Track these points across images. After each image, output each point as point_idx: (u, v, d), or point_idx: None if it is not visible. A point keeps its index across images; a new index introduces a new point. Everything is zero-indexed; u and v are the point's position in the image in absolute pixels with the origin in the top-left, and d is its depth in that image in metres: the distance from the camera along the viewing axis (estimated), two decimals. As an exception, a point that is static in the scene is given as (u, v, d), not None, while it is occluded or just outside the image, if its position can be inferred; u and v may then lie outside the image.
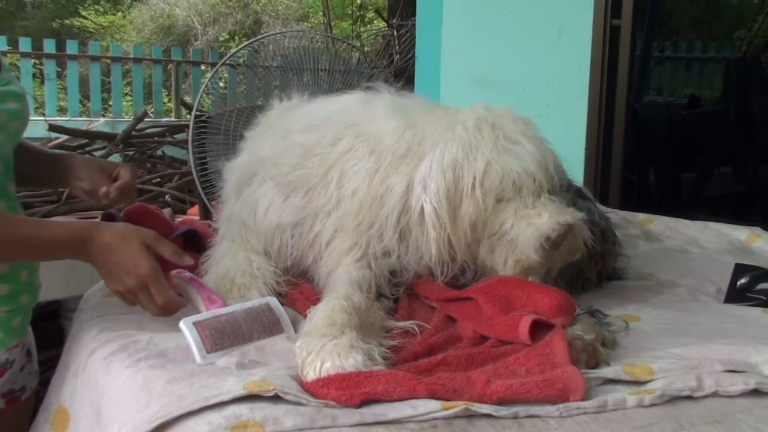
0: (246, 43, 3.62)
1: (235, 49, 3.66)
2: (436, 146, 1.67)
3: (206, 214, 3.23)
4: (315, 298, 1.64)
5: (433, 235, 1.64)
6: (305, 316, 1.54)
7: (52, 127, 5.24)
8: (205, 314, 1.48)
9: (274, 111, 2.06)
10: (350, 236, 1.70)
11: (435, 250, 1.65)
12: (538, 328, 1.39)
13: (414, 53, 4.55)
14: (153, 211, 2.00)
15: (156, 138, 5.64)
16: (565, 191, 1.76)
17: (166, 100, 11.07)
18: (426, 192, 1.65)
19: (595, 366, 1.35)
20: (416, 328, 1.52)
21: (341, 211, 1.71)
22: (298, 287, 1.74)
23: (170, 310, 1.51)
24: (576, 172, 2.92)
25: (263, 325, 1.49)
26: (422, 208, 1.65)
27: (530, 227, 1.59)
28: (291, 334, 1.52)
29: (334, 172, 1.73)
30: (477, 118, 1.71)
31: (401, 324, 1.54)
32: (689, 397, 1.26)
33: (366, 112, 1.81)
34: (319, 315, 1.46)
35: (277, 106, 2.09)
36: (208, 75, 3.66)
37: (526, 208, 1.62)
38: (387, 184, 1.68)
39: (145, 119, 6.21)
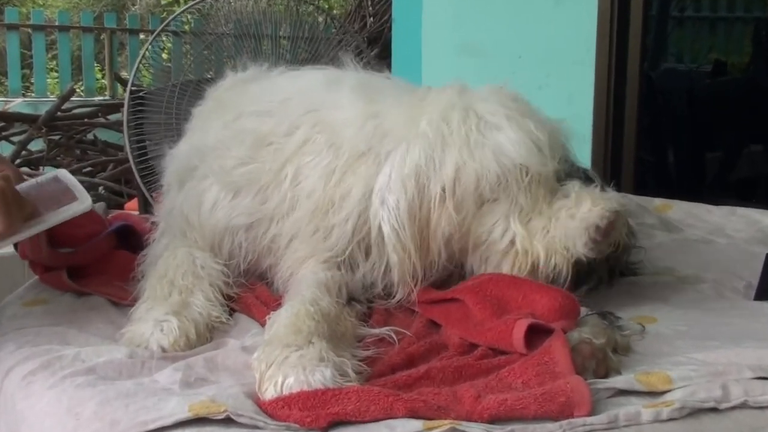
0: (192, 3, 3.60)
1: (179, 11, 3.64)
2: (398, 148, 1.65)
3: (146, 207, 3.21)
4: (275, 303, 1.64)
5: (394, 259, 1.62)
6: (263, 324, 1.54)
7: (-39, 109, 5.19)
8: None
9: (225, 83, 2.05)
10: (307, 244, 1.69)
11: (398, 275, 1.64)
12: (536, 334, 1.39)
13: (390, 15, 4.53)
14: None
15: (86, 120, 5.61)
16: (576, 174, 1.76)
17: (98, 75, 10.97)
18: (384, 208, 1.62)
19: (605, 375, 1.36)
20: (393, 336, 1.51)
21: (296, 214, 1.70)
22: (254, 290, 1.74)
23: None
24: (582, 152, 2.92)
25: (51, 197, 1.55)
26: (381, 226, 1.63)
27: (573, 219, 1.59)
28: (86, 204, 1.56)
29: (289, 167, 1.71)
30: (445, 105, 1.68)
31: (376, 331, 1.54)
32: (714, 410, 1.27)
33: (328, 96, 1.80)
34: (281, 321, 1.46)
35: (229, 77, 2.07)
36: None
37: (529, 210, 1.62)
38: (344, 186, 1.66)
39: (73, 98, 6.16)
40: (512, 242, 1.63)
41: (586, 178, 1.80)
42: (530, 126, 1.65)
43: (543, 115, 1.76)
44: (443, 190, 1.61)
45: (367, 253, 1.69)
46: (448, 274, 1.71)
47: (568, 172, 1.72)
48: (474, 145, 1.62)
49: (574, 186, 1.64)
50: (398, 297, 1.67)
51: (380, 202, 1.63)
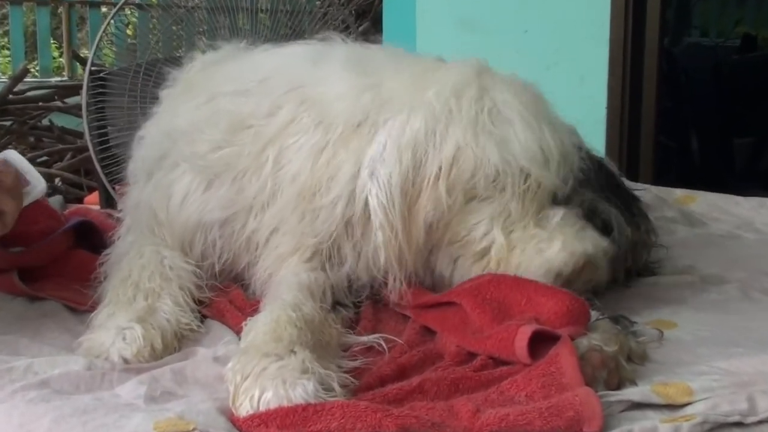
0: (159, -28, 3.59)
1: (145, -19, 3.63)
2: (397, 115, 1.65)
3: (108, 201, 3.21)
4: (251, 308, 1.64)
5: (380, 238, 1.63)
6: (238, 332, 1.54)
7: None
8: None
9: (195, 65, 2.05)
10: (291, 237, 1.70)
11: (383, 257, 1.64)
12: (541, 342, 1.40)
13: (381, -14, 4.53)
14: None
15: (41, 103, 5.59)
16: (580, 191, 1.76)
17: (55, 53, 10.93)
18: (373, 180, 1.62)
19: (618, 386, 1.36)
20: (383, 344, 1.52)
21: (279, 203, 1.70)
22: (228, 294, 1.74)
23: None
24: (595, 138, 2.93)
25: None
26: (367, 201, 1.63)
27: (538, 257, 1.60)
28: (42, 187, 1.61)
29: (270, 150, 1.72)
30: (459, 80, 1.69)
31: (364, 339, 1.54)
32: (739, 424, 1.27)
33: (315, 71, 1.80)
34: (259, 328, 1.46)
35: (199, 58, 2.07)
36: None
37: (516, 219, 1.62)
38: (334, 164, 1.66)
39: (27, 79, 6.14)
40: (489, 248, 1.64)
41: (589, 210, 1.80)
42: (544, 131, 1.66)
43: (559, 122, 1.77)
44: (439, 168, 1.62)
45: (354, 241, 1.68)
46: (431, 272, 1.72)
47: (568, 196, 1.72)
48: (481, 129, 1.63)
49: (556, 215, 1.65)
50: (390, 287, 1.67)
51: (370, 174, 1.63)
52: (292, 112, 1.74)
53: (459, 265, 1.67)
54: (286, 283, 1.64)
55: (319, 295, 1.62)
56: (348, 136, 1.67)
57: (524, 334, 1.39)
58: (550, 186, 1.65)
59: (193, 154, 1.77)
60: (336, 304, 1.67)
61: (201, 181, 1.77)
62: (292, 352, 1.38)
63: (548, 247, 1.61)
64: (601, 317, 1.54)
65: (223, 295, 1.74)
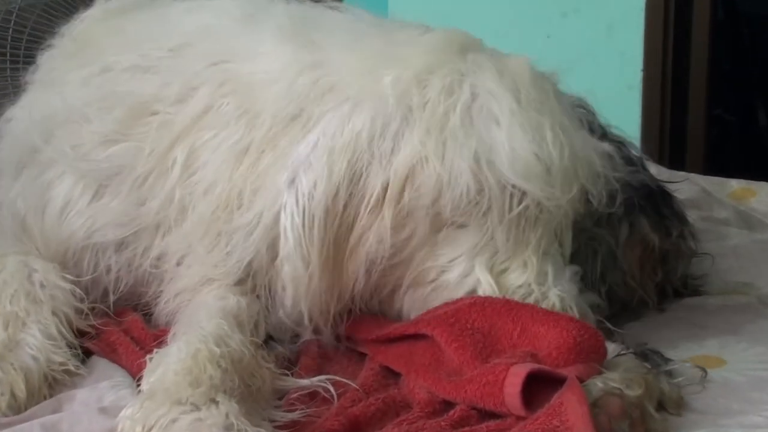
0: None
1: None
2: (338, 107, 1.63)
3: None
4: (154, 342, 1.64)
5: (287, 272, 1.62)
6: (134, 373, 1.55)
7: None
8: None
9: (91, 14, 2.01)
10: (201, 267, 1.70)
11: (290, 299, 1.64)
12: (540, 385, 1.40)
13: None
14: None
15: None
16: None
17: None
18: (291, 190, 1.61)
19: (644, 443, 1.37)
20: (331, 389, 1.52)
21: (188, 223, 1.70)
22: (122, 322, 1.74)
23: None
24: (627, 109, 2.95)
25: None
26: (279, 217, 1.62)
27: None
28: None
29: (179, 149, 1.71)
30: (429, 62, 1.64)
31: (305, 382, 1.54)
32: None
33: (245, 39, 1.79)
34: (171, 365, 1.45)
35: (99, 4, 2.04)
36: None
37: (508, 255, 1.61)
38: (260, 171, 1.65)
39: None
40: (472, 293, 1.62)
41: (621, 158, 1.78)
42: (545, 131, 1.61)
43: (576, 116, 1.72)
44: (387, 184, 1.60)
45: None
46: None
47: (600, 211, 1.72)
48: (452, 134, 1.59)
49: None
50: (305, 334, 1.67)
51: (289, 182, 1.61)
52: (210, 95, 1.73)
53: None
54: (206, 308, 1.64)
55: (249, 326, 1.62)
56: (277, 133, 1.66)
57: (517, 376, 1.39)
58: (555, 208, 1.61)
59: (74, 149, 1.76)
60: (270, 338, 1.67)
61: (86, 187, 1.77)
62: (213, 401, 1.38)
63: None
64: (624, 352, 1.55)
65: (116, 323, 1.73)
